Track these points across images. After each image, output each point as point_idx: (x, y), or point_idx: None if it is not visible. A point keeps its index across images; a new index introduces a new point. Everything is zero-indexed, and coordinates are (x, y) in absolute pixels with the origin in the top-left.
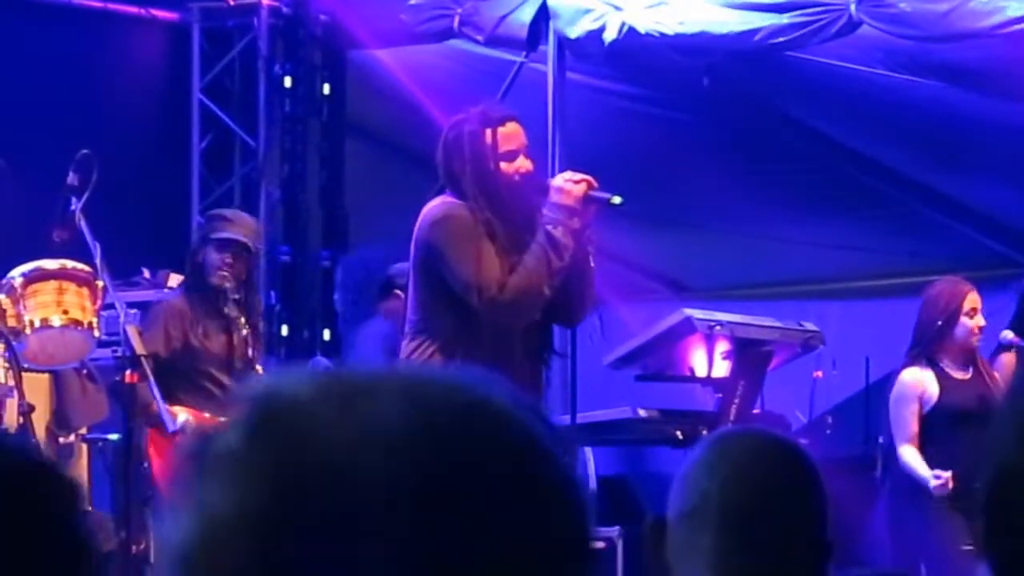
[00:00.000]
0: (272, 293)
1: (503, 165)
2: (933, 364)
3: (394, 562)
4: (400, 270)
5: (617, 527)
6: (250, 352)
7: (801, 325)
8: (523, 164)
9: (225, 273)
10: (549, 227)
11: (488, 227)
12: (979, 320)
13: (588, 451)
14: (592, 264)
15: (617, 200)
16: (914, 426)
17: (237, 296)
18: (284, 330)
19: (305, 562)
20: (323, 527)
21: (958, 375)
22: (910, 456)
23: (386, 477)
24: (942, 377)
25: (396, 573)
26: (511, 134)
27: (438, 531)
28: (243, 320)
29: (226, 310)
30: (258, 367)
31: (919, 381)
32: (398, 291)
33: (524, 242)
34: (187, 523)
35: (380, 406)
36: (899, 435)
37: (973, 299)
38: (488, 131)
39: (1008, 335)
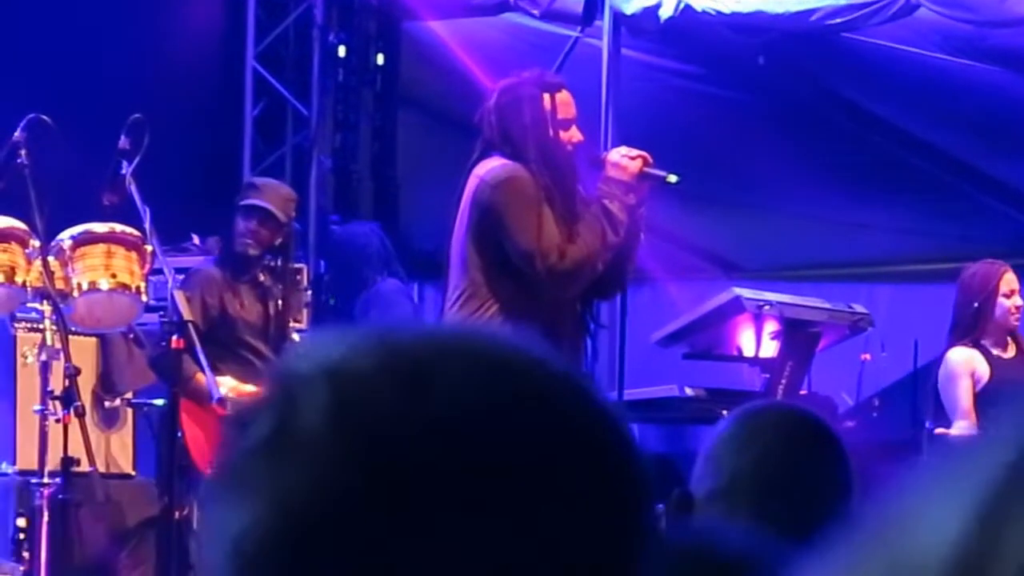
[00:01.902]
0: (321, 262)
1: (561, 133)
2: (977, 344)
3: (473, 544)
4: None
5: (662, 505)
6: (286, 320)
7: (850, 307)
8: (576, 134)
9: (249, 241)
10: (605, 201)
11: (548, 193)
12: (1016, 300)
13: (634, 428)
14: (640, 241)
15: (673, 179)
16: (969, 400)
17: (272, 264)
18: (332, 299)
19: (386, 546)
20: (404, 511)
21: (1003, 354)
22: (966, 429)
23: (461, 459)
24: (989, 357)
25: (476, 554)
26: (566, 102)
27: (515, 512)
28: (278, 288)
29: (261, 278)
30: (294, 335)
31: (968, 360)
32: None
33: (576, 214)
34: (256, 509)
35: (450, 388)
36: (954, 411)
37: (1009, 280)
38: (547, 96)
39: None
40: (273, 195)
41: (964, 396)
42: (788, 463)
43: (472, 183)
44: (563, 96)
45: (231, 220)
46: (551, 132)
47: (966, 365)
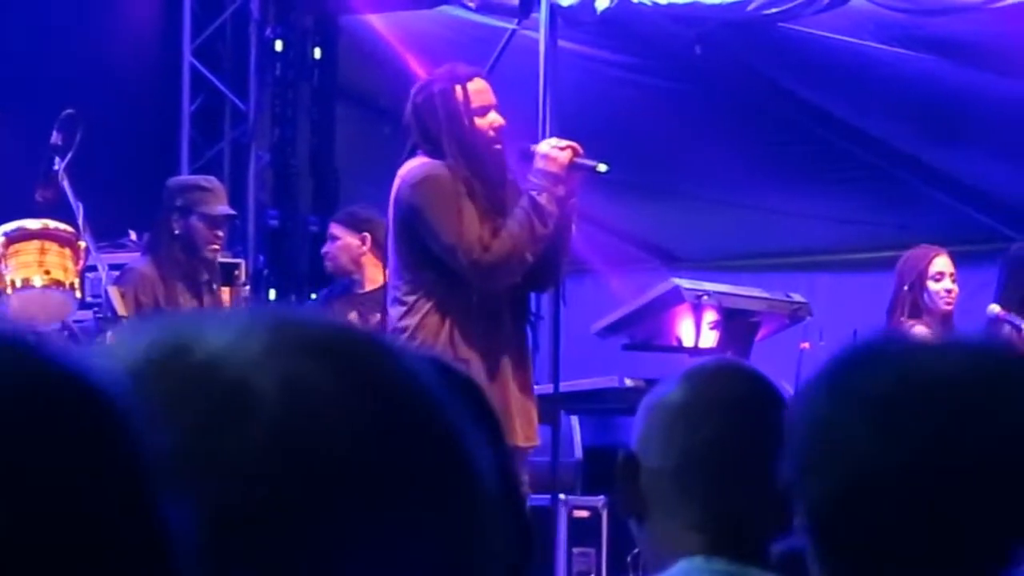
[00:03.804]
0: (260, 257)
1: (476, 121)
2: (929, 328)
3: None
4: None
5: (602, 496)
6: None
7: (789, 296)
8: (496, 119)
9: (216, 247)
10: (534, 193)
11: (469, 186)
12: (946, 284)
13: (574, 420)
14: (572, 232)
15: (603, 168)
16: None
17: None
18: (272, 294)
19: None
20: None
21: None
22: None
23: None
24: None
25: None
26: (480, 90)
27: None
28: (214, 282)
29: (195, 274)
30: None
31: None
32: None
33: (503, 202)
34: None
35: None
36: None
37: (940, 263)
38: (458, 87)
39: (995, 309)
40: (224, 195)
41: None
42: (747, 429)
43: (396, 184)
44: (476, 84)
45: (167, 217)
46: (466, 122)
47: None
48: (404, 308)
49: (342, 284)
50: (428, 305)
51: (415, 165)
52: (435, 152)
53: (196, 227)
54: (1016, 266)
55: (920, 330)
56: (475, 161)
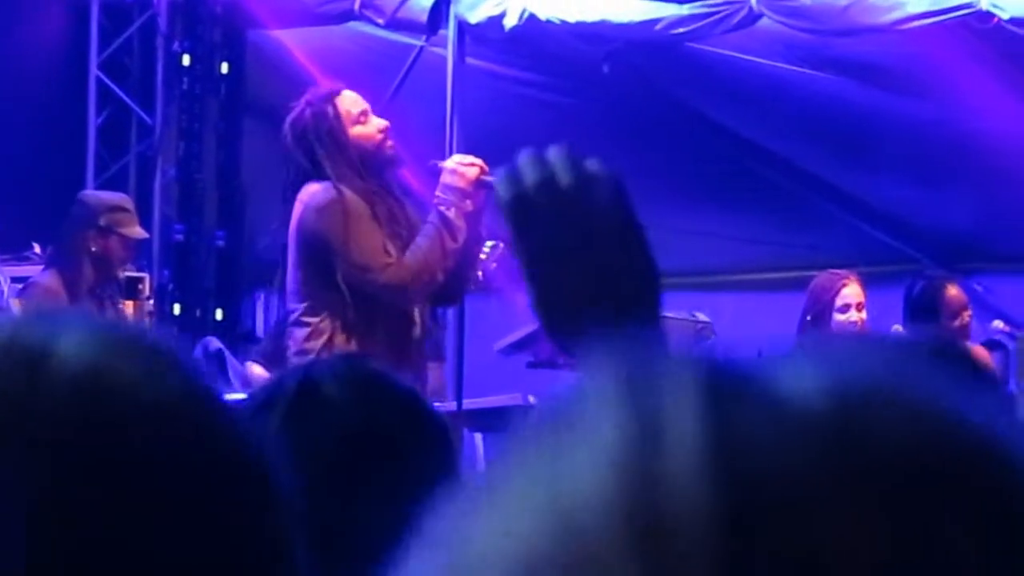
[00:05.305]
0: (165, 271)
1: (358, 130)
2: None
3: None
4: None
5: None
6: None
7: (693, 316)
8: (378, 121)
9: (129, 265)
10: (442, 208)
11: (370, 203)
12: (852, 315)
13: (478, 437)
14: (481, 248)
15: None
16: None
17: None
18: (176, 309)
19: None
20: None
21: None
22: None
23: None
24: None
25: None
26: (351, 99)
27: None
28: (117, 295)
29: (105, 290)
30: None
31: None
32: None
33: (405, 210)
34: None
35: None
36: None
37: (847, 294)
38: (329, 106)
39: (899, 330)
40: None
41: None
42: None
43: (297, 209)
44: (345, 96)
45: (83, 234)
46: (347, 135)
47: None
48: (308, 329)
49: None
50: (333, 325)
51: (317, 190)
52: (329, 175)
53: (114, 247)
54: (920, 310)
55: None
56: (370, 172)
